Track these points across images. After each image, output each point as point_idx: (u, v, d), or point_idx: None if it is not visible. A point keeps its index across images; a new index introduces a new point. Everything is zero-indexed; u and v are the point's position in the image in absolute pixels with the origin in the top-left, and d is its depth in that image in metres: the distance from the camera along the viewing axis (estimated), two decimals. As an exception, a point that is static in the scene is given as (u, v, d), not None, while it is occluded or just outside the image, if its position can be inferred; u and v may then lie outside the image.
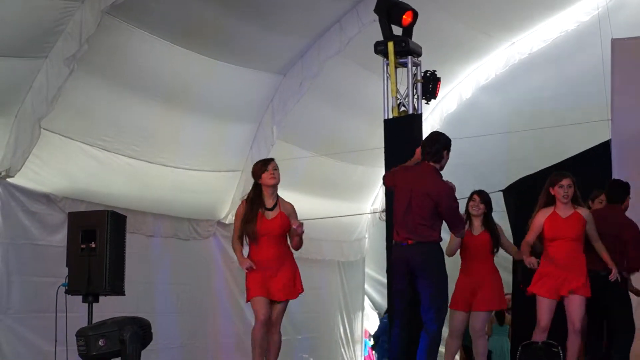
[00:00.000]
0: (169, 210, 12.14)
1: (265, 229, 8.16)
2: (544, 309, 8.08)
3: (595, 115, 12.49)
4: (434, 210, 7.96)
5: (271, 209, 8.26)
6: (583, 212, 8.52)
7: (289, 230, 8.21)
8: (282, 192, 13.14)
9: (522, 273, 12.90)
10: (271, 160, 8.43)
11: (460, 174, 14.85)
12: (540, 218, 8.55)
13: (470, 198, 9.22)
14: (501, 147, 14.69)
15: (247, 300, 8.16)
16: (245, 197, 8.37)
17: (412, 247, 7.91)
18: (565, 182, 8.48)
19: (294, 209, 8.39)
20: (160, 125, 11.29)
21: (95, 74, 10.23)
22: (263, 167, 8.30)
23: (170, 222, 12.27)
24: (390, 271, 8.72)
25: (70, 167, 10.64)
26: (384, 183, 8.72)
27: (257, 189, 8.35)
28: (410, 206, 7.99)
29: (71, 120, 10.32)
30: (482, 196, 9.22)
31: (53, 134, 10.14)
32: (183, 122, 11.53)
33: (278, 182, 8.38)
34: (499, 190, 14.13)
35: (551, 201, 8.57)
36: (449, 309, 8.89)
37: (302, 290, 8.28)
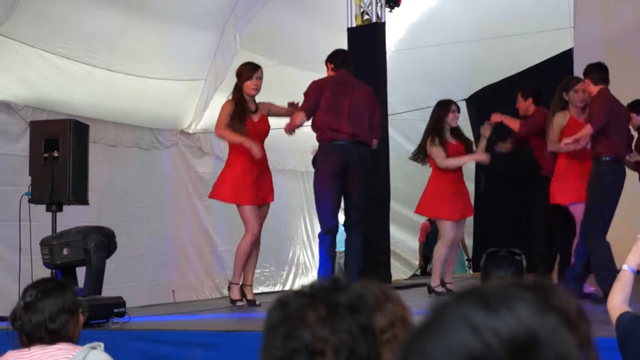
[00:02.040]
0: (130, 119, 12.05)
1: (253, 131, 8.28)
2: None
3: (559, 23, 12.49)
4: None
5: (255, 112, 8.37)
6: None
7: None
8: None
9: (484, 183, 13.06)
10: (258, 67, 8.47)
11: (425, 83, 14.89)
12: (561, 121, 8.54)
13: (450, 110, 9.26)
14: (464, 56, 14.66)
15: (231, 202, 8.29)
16: (231, 98, 8.42)
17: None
18: (580, 86, 8.51)
19: (270, 102, 8.50)
20: (120, 33, 11.13)
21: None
22: (249, 73, 8.36)
23: (132, 132, 12.21)
24: None
25: (31, 74, 10.49)
26: None
27: (240, 91, 8.43)
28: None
29: (30, 27, 10.15)
30: (457, 108, 9.42)
31: (12, 41, 9.98)
32: (142, 30, 11.37)
33: (257, 94, 8.43)
34: (462, 100, 14.19)
35: (565, 105, 8.62)
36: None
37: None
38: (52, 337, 3.69)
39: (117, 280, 7.56)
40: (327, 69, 8.67)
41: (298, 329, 1.70)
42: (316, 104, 8.34)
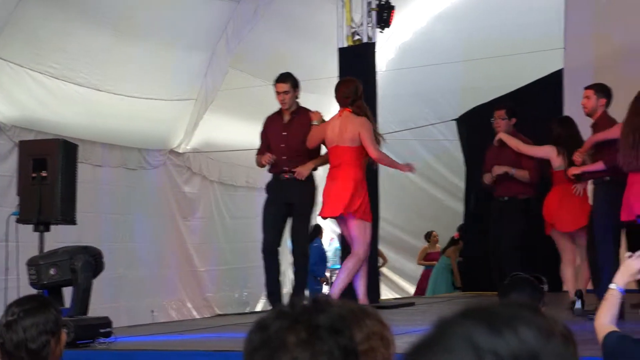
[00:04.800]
0: (118, 139, 12.04)
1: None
2: None
3: (549, 44, 12.53)
4: None
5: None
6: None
7: None
8: (233, 122, 13.12)
9: (474, 204, 13.08)
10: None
11: (415, 103, 14.91)
12: None
13: None
14: (455, 76, 14.70)
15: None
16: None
17: None
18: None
19: None
20: (109, 53, 11.13)
21: (42, 0, 10.04)
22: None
23: (120, 152, 12.19)
24: None
25: (19, 94, 10.49)
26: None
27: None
28: None
29: (19, 47, 10.14)
30: None
31: (0, 60, 9.97)
32: (132, 49, 11.38)
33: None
34: (452, 120, 14.21)
35: None
36: None
37: None
38: (32, 357, 3.64)
39: (95, 300, 7.52)
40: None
41: (278, 352, 1.67)
42: None
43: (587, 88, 8.58)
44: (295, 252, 8.71)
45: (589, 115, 8.52)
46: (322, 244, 15.47)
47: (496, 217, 9.21)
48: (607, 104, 8.46)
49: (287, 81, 8.67)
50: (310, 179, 8.71)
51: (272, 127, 8.77)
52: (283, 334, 1.68)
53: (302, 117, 8.73)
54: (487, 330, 1.22)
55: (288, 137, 8.61)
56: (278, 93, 8.68)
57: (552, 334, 1.25)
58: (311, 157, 8.69)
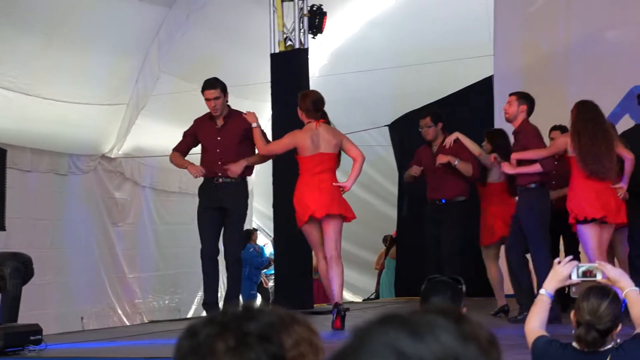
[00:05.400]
0: (47, 144, 11.89)
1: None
2: None
3: (480, 51, 12.67)
4: None
5: None
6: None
7: None
8: (165, 126, 13.05)
9: (407, 208, 13.16)
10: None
11: (348, 109, 14.96)
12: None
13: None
14: (388, 82, 14.78)
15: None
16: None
17: None
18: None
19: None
20: (38, 56, 10.99)
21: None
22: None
23: (49, 157, 12.05)
24: None
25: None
26: None
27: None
28: None
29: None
30: None
31: None
32: (62, 53, 11.25)
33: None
34: (385, 125, 14.30)
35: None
36: None
37: None
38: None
39: (24, 307, 7.42)
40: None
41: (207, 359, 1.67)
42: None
43: (511, 95, 8.74)
44: (228, 257, 8.65)
45: (509, 120, 8.65)
46: (256, 249, 15.41)
47: (433, 221, 9.21)
48: (529, 110, 8.58)
49: (217, 86, 8.58)
50: (243, 184, 8.67)
51: (204, 131, 8.67)
52: (212, 341, 1.67)
53: (236, 120, 8.65)
54: (409, 337, 1.23)
55: (223, 141, 8.53)
56: (208, 100, 8.57)
57: (472, 338, 1.27)
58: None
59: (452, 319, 1.29)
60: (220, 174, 8.47)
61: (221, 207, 8.47)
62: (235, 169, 8.37)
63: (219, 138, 8.55)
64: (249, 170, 8.67)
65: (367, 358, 1.22)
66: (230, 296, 8.54)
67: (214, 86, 8.55)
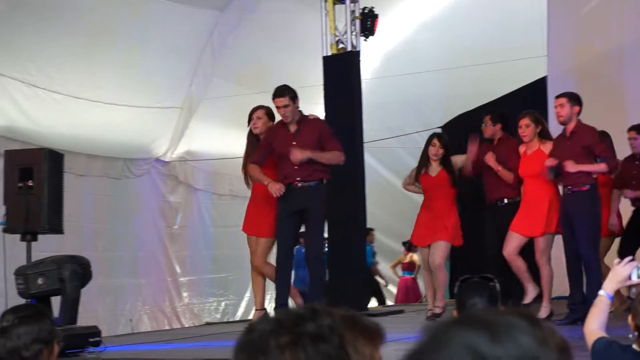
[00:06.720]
0: (101, 148, 12.00)
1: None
2: None
3: (533, 51, 12.59)
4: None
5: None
6: (547, 147, 8.66)
7: None
8: (218, 130, 13.12)
9: (460, 209, 13.08)
10: (254, 110, 8.74)
11: (401, 111, 14.95)
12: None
13: (430, 142, 9.31)
14: (440, 84, 14.74)
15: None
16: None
17: None
18: (522, 122, 8.69)
19: None
20: (86, 61, 11.09)
21: (18, 9, 10.02)
22: (249, 118, 8.86)
23: (103, 161, 12.16)
24: None
25: (2, 104, 10.47)
26: None
27: (251, 134, 8.97)
28: None
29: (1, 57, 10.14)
30: (442, 140, 9.35)
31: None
32: (110, 57, 11.35)
33: (261, 132, 8.79)
34: (438, 127, 14.25)
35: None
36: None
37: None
38: (25, 365, 3.64)
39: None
40: None
41: (256, 355, 1.70)
42: None
43: (559, 96, 8.61)
44: (307, 255, 8.67)
45: (563, 123, 8.52)
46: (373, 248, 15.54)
47: (497, 221, 9.15)
48: (580, 111, 8.51)
49: (285, 94, 8.60)
50: (321, 186, 8.63)
51: (279, 138, 8.64)
52: (265, 338, 1.71)
53: (310, 124, 8.69)
54: (488, 339, 1.23)
55: (298, 146, 8.50)
56: (278, 107, 8.63)
57: (548, 342, 1.27)
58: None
59: (529, 321, 1.29)
60: (298, 178, 8.51)
61: (300, 209, 8.51)
62: (297, 153, 8.36)
63: (294, 143, 8.53)
64: (325, 173, 8.62)
65: (444, 359, 1.23)
66: (313, 296, 8.53)
67: (282, 94, 8.58)
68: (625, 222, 9.64)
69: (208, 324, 12.34)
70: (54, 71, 10.80)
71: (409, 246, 15.38)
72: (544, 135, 8.74)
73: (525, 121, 8.70)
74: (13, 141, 10.47)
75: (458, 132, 13.13)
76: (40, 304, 7.12)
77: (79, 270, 7.31)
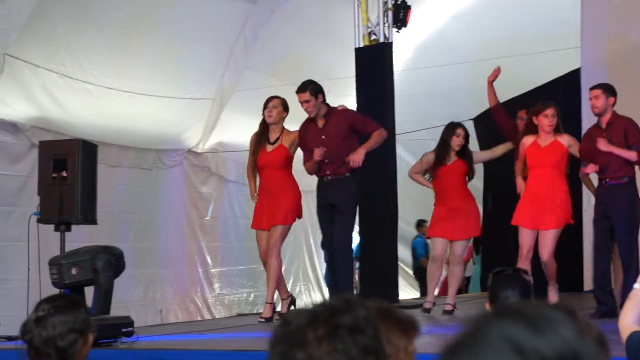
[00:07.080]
0: (133, 139, 12.05)
1: (264, 161, 8.71)
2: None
3: (565, 43, 12.50)
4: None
5: (273, 143, 8.62)
6: (564, 139, 8.59)
7: (287, 160, 8.83)
8: (250, 121, 13.17)
9: (492, 203, 13.05)
10: (270, 99, 8.80)
11: (431, 102, 14.90)
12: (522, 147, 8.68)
13: (454, 133, 9.21)
14: (471, 76, 14.65)
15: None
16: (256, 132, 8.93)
17: None
18: (549, 111, 8.58)
19: (296, 138, 8.77)
20: (118, 52, 11.14)
21: (53, 0, 10.09)
22: (264, 106, 8.83)
23: (135, 152, 12.21)
24: None
25: (37, 95, 10.54)
26: None
27: (264, 123, 8.83)
28: None
29: (35, 47, 10.19)
30: (465, 130, 9.31)
31: (18, 61, 10.02)
32: (142, 49, 11.38)
33: (275, 121, 8.76)
34: (469, 119, 14.20)
35: (535, 129, 8.67)
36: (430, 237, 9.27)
37: (292, 220, 8.89)
38: (59, 355, 3.65)
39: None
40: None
41: (294, 347, 1.71)
42: None
43: (594, 88, 8.54)
44: (334, 248, 8.72)
45: (599, 115, 8.45)
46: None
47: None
48: (614, 103, 8.44)
49: (306, 90, 8.67)
50: (351, 178, 8.71)
51: (309, 134, 8.78)
52: (302, 330, 1.71)
53: (337, 117, 8.74)
54: (528, 330, 1.23)
55: (327, 140, 8.63)
56: (301, 103, 8.73)
57: (587, 335, 1.27)
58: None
59: (567, 313, 1.29)
60: (328, 172, 8.62)
61: (332, 202, 8.71)
62: (356, 157, 8.47)
63: (323, 137, 8.64)
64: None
65: (484, 351, 1.23)
66: (342, 287, 8.57)
67: (303, 89, 8.67)
68: None
69: (240, 315, 12.37)
70: (88, 62, 10.86)
71: None
72: (558, 128, 8.69)
73: (551, 111, 8.59)
74: (47, 132, 10.55)
75: (489, 124, 13.09)
76: (74, 294, 7.17)
77: (112, 261, 7.35)
